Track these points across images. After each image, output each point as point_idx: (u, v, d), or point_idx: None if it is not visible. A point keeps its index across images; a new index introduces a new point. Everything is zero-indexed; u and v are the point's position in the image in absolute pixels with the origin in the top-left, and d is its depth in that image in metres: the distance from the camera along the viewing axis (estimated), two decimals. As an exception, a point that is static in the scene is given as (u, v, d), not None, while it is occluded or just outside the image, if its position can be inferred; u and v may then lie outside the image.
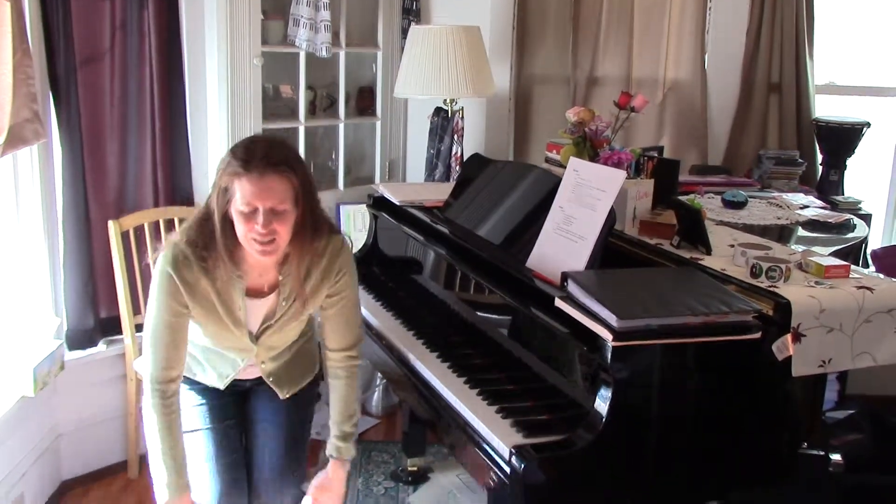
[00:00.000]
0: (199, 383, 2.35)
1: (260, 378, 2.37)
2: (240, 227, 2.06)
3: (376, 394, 3.99)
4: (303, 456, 2.52)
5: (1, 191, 2.94)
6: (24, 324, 3.00)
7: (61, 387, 3.17)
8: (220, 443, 2.32)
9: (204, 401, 2.35)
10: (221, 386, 2.33)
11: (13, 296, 3.00)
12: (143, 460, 3.36)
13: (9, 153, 2.66)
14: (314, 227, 2.16)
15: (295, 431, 2.46)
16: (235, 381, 2.35)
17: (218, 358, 2.31)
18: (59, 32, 2.97)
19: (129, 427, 3.34)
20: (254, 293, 2.21)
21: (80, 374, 3.26)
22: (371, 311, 2.81)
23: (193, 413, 2.34)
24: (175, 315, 2.13)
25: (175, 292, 2.11)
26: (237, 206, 2.04)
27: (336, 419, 2.37)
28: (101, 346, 3.35)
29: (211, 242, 2.10)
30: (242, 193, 2.01)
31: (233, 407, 2.39)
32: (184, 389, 2.29)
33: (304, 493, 2.36)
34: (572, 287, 1.96)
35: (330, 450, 2.35)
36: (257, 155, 2.02)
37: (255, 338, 2.25)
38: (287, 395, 2.39)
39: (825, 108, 4.34)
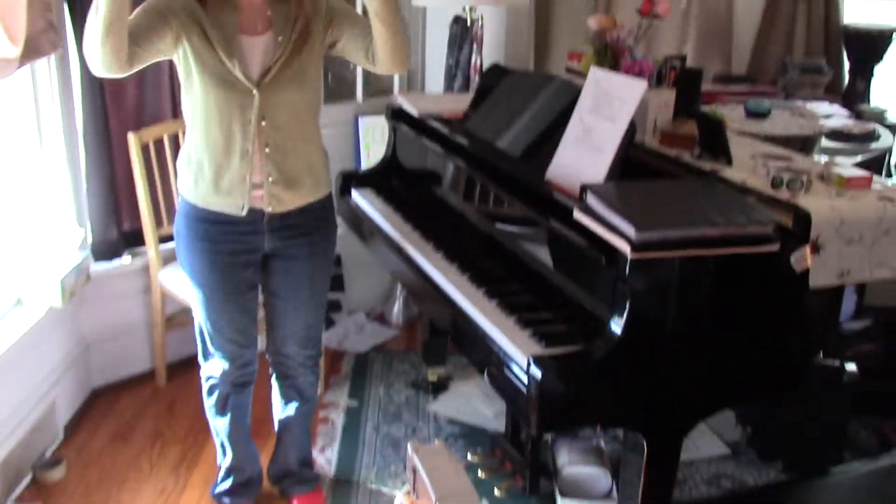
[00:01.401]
0: (215, 221, 2.31)
1: (275, 234, 2.33)
2: None
3: (396, 305, 4.04)
4: (322, 320, 2.59)
5: (21, 103, 2.94)
6: (49, 236, 3.04)
7: (88, 298, 3.23)
8: (231, 316, 2.40)
9: (224, 275, 2.35)
10: (238, 203, 2.28)
11: (38, 209, 3.03)
12: (170, 369, 3.46)
13: (26, 64, 2.65)
14: None
15: (317, 300, 2.51)
16: (252, 213, 2.29)
17: (225, 147, 2.24)
18: (73, -60, 2.93)
19: (155, 337, 3.42)
20: (247, 30, 2.21)
21: (106, 285, 3.32)
22: (390, 222, 2.82)
23: (207, 271, 2.35)
24: (156, 10, 2.13)
25: (163, 6, 2.14)
26: None
27: None
28: (126, 258, 3.40)
29: None
30: None
31: (253, 278, 2.41)
32: (201, 237, 2.31)
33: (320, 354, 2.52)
34: (591, 199, 1.96)
35: None
36: None
37: (257, 84, 2.21)
38: (290, 207, 2.33)
39: (855, 14, 4.22)
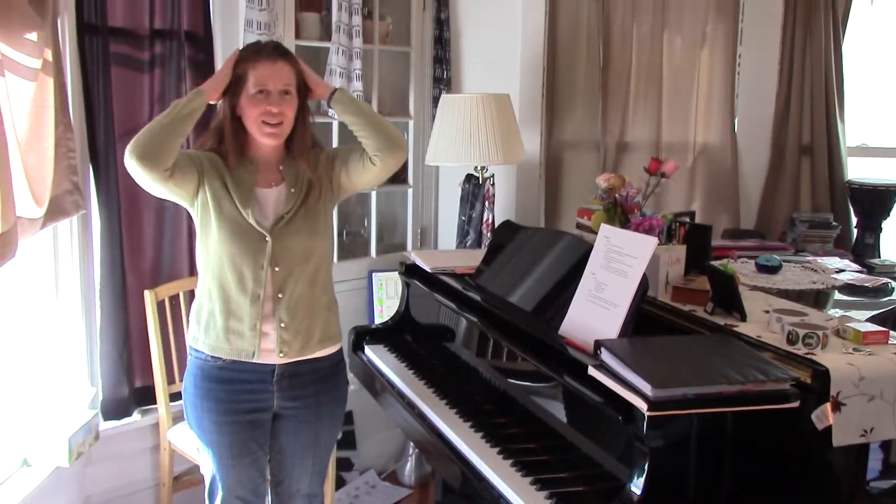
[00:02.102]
0: (224, 376, 2.33)
1: (284, 394, 2.35)
2: (251, 113, 2.29)
3: (409, 463, 3.95)
4: (325, 471, 2.59)
5: (41, 261, 2.99)
6: (59, 394, 3.03)
7: (95, 457, 3.18)
8: (240, 476, 2.37)
9: (234, 434, 2.35)
10: (248, 350, 2.31)
11: (50, 366, 3.03)
12: (175, 531, 3.35)
13: (49, 224, 2.71)
14: (310, 133, 2.43)
15: (323, 456, 2.51)
16: (262, 366, 2.32)
17: (237, 293, 2.30)
18: (100, 106, 3.06)
19: (162, 497, 3.33)
20: (263, 184, 2.37)
21: (114, 443, 3.26)
22: (403, 378, 2.80)
23: (216, 432, 2.36)
24: (189, 156, 2.31)
25: (196, 154, 2.35)
26: (250, 92, 2.28)
27: None
28: (136, 416, 3.36)
29: (222, 142, 2.35)
30: (256, 77, 2.28)
31: (261, 440, 2.40)
32: (209, 397, 2.34)
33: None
34: (606, 355, 1.95)
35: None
36: (268, 46, 2.37)
37: (270, 230, 2.30)
38: (301, 357, 2.36)
39: (858, 171, 4.31)
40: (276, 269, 2.31)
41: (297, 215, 2.35)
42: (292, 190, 2.37)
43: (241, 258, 2.29)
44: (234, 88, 2.32)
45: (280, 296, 2.32)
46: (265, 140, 2.33)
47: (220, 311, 2.32)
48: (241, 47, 2.52)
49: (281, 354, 2.32)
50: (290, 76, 2.33)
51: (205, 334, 2.34)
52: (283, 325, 2.32)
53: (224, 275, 2.31)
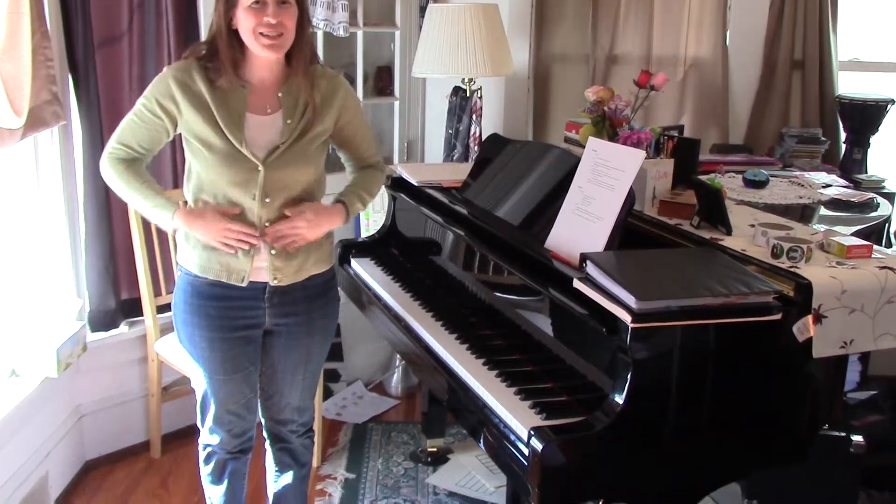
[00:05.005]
0: (215, 293, 2.29)
1: (276, 311, 2.33)
2: (248, 23, 2.15)
3: (395, 375, 4.01)
4: (315, 388, 2.59)
5: (22, 173, 2.96)
6: (46, 305, 3.03)
7: (84, 368, 3.20)
8: (231, 391, 2.37)
9: (225, 349, 2.33)
10: (240, 271, 2.26)
11: (36, 278, 3.03)
12: (165, 441, 3.41)
13: (29, 135, 2.67)
14: (310, 44, 2.30)
15: (313, 371, 2.52)
16: (253, 284, 2.29)
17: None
18: (78, 14, 2.98)
19: (150, 408, 3.37)
20: (257, 109, 2.24)
21: (102, 355, 3.29)
22: (389, 291, 2.81)
23: (207, 349, 2.33)
24: (152, 114, 2.22)
25: (164, 91, 2.22)
26: (245, 3, 2.14)
27: (356, 181, 2.49)
28: (123, 328, 3.38)
29: (216, 54, 2.20)
30: None
31: (253, 355, 2.39)
32: (200, 313, 2.31)
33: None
34: (591, 268, 1.95)
35: (336, 195, 2.41)
36: None
37: (263, 161, 2.22)
38: (292, 281, 2.32)
39: (849, 85, 4.27)
40: (267, 199, 2.23)
41: (292, 147, 2.25)
42: (288, 121, 2.25)
43: (231, 187, 2.22)
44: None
45: (269, 224, 2.25)
46: (264, 52, 2.18)
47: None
48: None
49: (275, 281, 2.29)
50: None
51: (195, 253, 2.28)
52: (273, 251, 2.27)
53: (214, 200, 2.24)
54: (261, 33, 2.15)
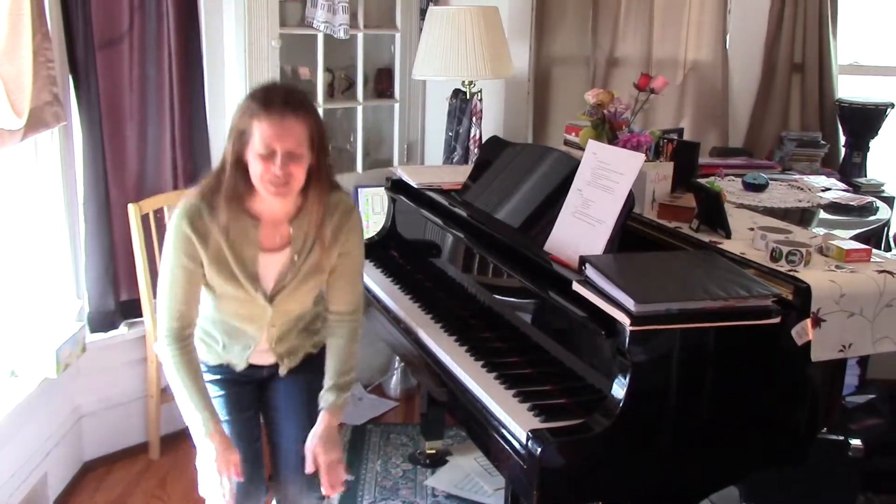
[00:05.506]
0: (216, 370, 2.36)
1: (275, 366, 2.37)
2: (256, 169, 2.09)
3: (394, 377, 4.01)
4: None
5: (23, 174, 2.96)
6: (46, 306, 3.03)
7: (83, 369, 3.20)
8: (239, 434, 2.32)
9: (223, 392, 2.35)
10: (240, 365, 2.33)
11: (36, 278, 3.03)
12: (163, 442, 3.40)
13: (30, 136, 2.67)
14: (328, 177, 2.23)
15: (312, 410, 2.45)
16: (252, 367, 2.35)
17: (234, 335, 2.31)
18: (78, 15, 2.98)
19: (149, 409, 3.37)
20: (267, 248, 2.23)
21: (102, 356, 3.29)
22: (389, 293, 2.81)
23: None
24: (187, 271, 2.16)
25: (187, 246, 2.15)
26: (255, 149, 2.07)
27: (330, 372, 2.32)
28: (122, 329, 3.38)
29: (219, 189, 2.14)
30: (261, 135, 2.05)
31: (251, 397, 2.40)
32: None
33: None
34: (590, 271, 1.95)
35: (322, 403, 2.29)
36: (277, 98, 2.08)
37: (270, 299, 2.24)
38: (292, 365, 2.38)
39: (848, 89, 4.28)
40: (273, 327, 2.29)
41: (299, 281, 2.25)
42: (296, 257, 2.23)
43: (240, 319, 2.27)
44: (239, 138, 2.09)
45: (275, 344, 2.33)
46: (271, 198, 2.14)
47: (217, 340, 2.33)
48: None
49: (276, 365, 2.36)
50: (300, 135, 2.07)
51: (198, 348, 2.32)
52: (278, 350, 2.35)
53: (223, 320, 2.29)
54: (269, 181, 2.09)
